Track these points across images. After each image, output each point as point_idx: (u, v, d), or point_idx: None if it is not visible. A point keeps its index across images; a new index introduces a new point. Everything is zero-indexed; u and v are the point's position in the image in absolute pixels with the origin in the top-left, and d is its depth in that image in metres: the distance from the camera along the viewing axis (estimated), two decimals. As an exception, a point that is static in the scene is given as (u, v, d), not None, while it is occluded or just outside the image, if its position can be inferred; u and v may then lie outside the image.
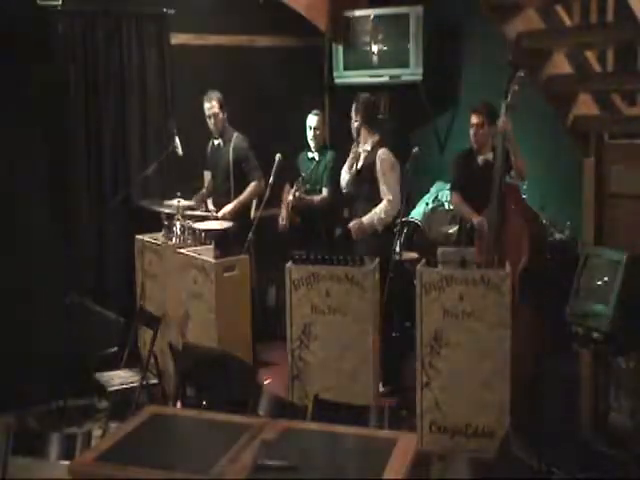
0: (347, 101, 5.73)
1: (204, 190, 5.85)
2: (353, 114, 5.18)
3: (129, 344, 4.74)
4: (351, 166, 5.20)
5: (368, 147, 5.15)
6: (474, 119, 4.85)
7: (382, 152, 5.07)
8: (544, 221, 4.99)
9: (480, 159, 4.90)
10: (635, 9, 3.49)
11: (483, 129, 4.83)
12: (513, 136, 4.55)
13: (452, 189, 5.12)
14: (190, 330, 4.83)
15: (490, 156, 4.80)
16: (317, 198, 5.69)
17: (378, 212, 5.02)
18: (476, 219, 4.75)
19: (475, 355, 4.00)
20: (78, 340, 4.77)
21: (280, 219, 5.77)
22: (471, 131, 4.87)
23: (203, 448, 2.74)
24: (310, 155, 5.76)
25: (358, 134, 5.16)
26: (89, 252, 5.62)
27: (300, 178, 5.64)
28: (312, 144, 5.73)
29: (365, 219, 5.04)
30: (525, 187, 4.96)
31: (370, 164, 5.08)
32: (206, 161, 5.84)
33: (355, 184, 5.17)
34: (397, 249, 5.00)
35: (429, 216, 5.89)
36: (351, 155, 5.23)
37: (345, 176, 5.24)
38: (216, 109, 5.55)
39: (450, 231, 5.58)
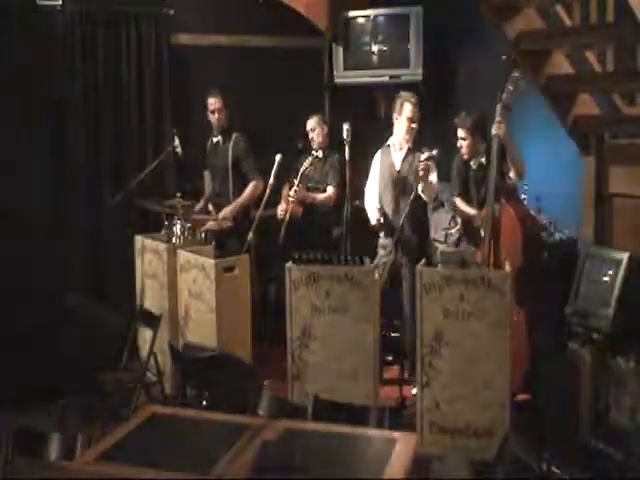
0: (347, 101, 5.74)
1: (206, 193, 5.84)
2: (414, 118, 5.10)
3: (129, 344, 4.74)
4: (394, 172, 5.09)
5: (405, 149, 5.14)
6: (459, 133, 4.80)
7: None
8: (544, 221, 4.98)
9: (473, 163, 4.88)
10: (635, 9, 3.48)
11: (469, 140, 4.78)
12: (509, 137, 4.51)
13: (455, 194, 5.12)
14: (190, 330, 4.83)
15: (483, 159, 4.79)
16: (320, 196, 5.65)
17: None
18: (474, 214, 4.78)
19: (475, 355, 4.01)
20: (78, 340, 4.76)
21: (279, 211, 5.70)
22: (458, 143, 4.86)
23: (203, 448, 2.74)
24: (314, 153, 5.73)
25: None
26: (89, 252, 5.62)
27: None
28: (313, 145, 5.72)
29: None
30: (526, 187, 4.95)
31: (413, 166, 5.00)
32: (206, 160, 5.84)
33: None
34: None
35: (434, 217, 5.88)
36: (384, 163, 5.14)
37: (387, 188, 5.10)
38: (219, 104, 5.54)
39: (452, 231, 5.57)
